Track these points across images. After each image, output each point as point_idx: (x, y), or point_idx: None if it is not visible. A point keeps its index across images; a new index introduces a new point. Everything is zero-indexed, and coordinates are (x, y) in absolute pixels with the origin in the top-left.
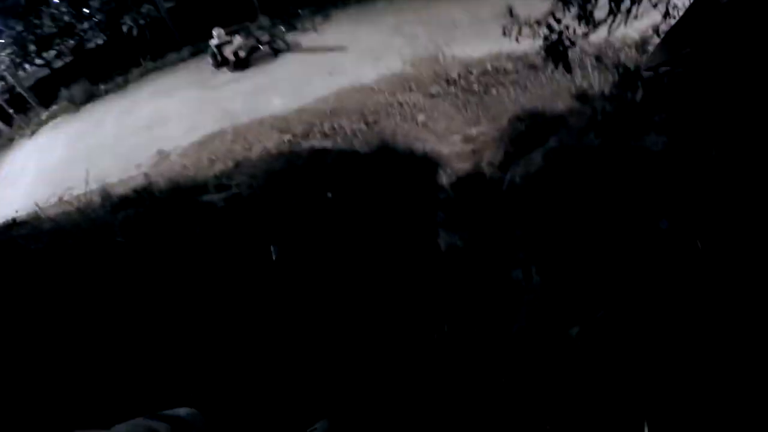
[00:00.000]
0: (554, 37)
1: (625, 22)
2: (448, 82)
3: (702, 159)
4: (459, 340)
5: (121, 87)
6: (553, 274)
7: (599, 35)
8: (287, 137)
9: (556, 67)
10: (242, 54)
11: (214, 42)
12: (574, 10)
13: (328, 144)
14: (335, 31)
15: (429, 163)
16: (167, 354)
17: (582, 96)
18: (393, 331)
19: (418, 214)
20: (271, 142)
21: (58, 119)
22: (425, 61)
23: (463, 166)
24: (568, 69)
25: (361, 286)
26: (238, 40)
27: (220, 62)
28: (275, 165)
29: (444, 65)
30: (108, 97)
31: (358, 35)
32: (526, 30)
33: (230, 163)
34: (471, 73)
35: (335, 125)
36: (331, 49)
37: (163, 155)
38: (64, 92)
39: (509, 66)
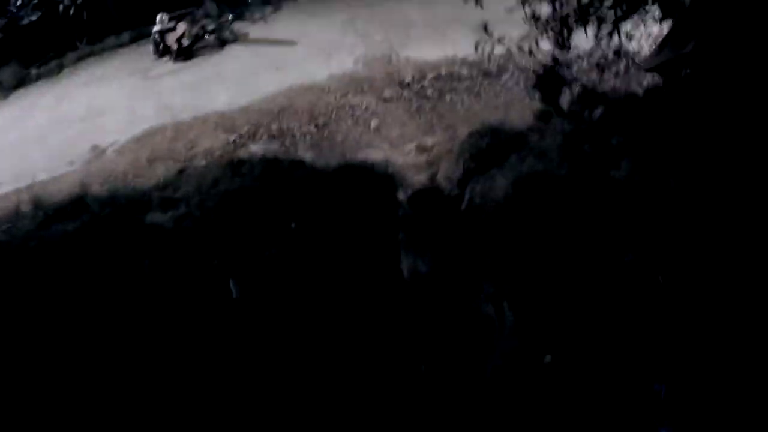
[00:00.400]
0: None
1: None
2: (401, 85)
3: (663, 189)
4: (436, 381)
5: (54, 72)
6: (524, 309)
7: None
8: (232, 137)
9: (545, 102)
10: (186, 42)
11: (156, 28)
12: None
13: (277, 149)
14: (285, 23)
15: (384, 176)
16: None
17: (540, 112)
18: (364, 376)
19: (378, 235)
20: (216, 142)
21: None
22: (378, 62)
23: (420, 178)
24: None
25: (329, 322)
26: (182, 27)
27: (162, 50)
28: (225, 178)
29: (398, 67)
30: (40, 83)
31: (309, 29)
32: (499, 49)
33: (172, 168)
34: (425, 77)
35: (283, 126)
36: (280, 43)
37: (97, 151)
38: None
39: (464, 72)
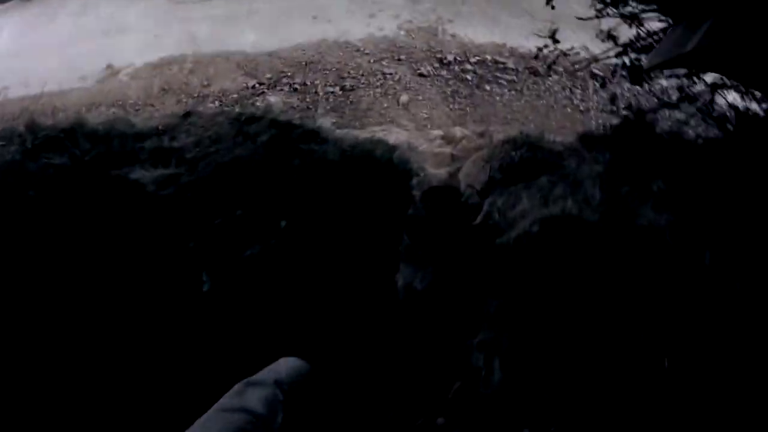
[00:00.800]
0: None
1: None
2: (441, 62)
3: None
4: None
5: None
6: (517, 373)
7: None
8: (252, 82)
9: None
10: None
11: None
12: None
13: (296, 105)
14: None
15: (401, 162)
16: None
17: (584, 134)
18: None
19: (381, 235)
20: (234, 85)
21: (9, 4)
22: (422, 32)
23: (439, 173)
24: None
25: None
26: None
27: None
28: (227, 137)
29: (441, 42)
30: None
31: None
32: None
33: (181, 105)
34: (468, 59)
35: (308, 81)
36: None
37: (112, 71)
38: None
39: (510, 63)
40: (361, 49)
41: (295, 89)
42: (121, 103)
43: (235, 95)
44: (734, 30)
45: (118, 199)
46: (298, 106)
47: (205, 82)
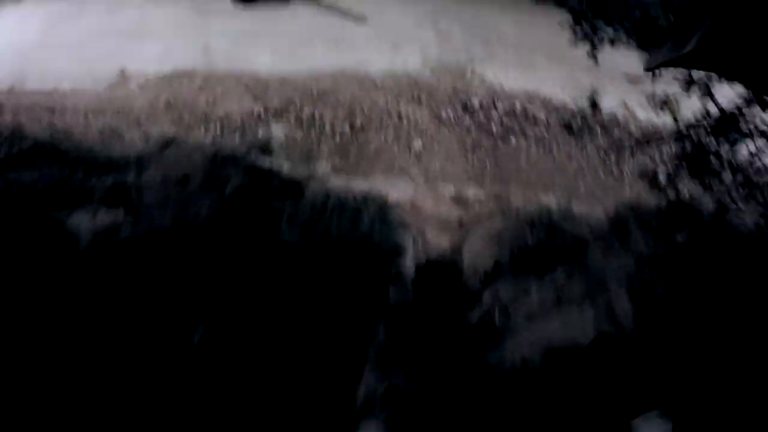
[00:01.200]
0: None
1: None
2: (465, 108)
3: None
4: None
5: None
6: None
7: None
8: (258, 108)
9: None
10: None
11: None
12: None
13: (298, 140)
14: None
15: (399, 223)
16: None
17: (615, 217)
18: None
19: (354, 323)
20: (239, 108)
21: None
22: (449, 71)
23: (441, 243)
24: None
25: None
26: None
27: None
28: (198, 175)
29: (468, 84)
30: None
31: (386, 10)
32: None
33: (182, 122)
34: (495, 106)
35: (317, 114)
36: (350, 15)
37: (124, 77)
38: None
39: (541, 115)
40: (379, 83)
41: (302, 122)
42: (124, 113)
43: (238, 120)
44: (733, 30)
45: (47, 249)
46: (300, 141)
47: (212, 102)
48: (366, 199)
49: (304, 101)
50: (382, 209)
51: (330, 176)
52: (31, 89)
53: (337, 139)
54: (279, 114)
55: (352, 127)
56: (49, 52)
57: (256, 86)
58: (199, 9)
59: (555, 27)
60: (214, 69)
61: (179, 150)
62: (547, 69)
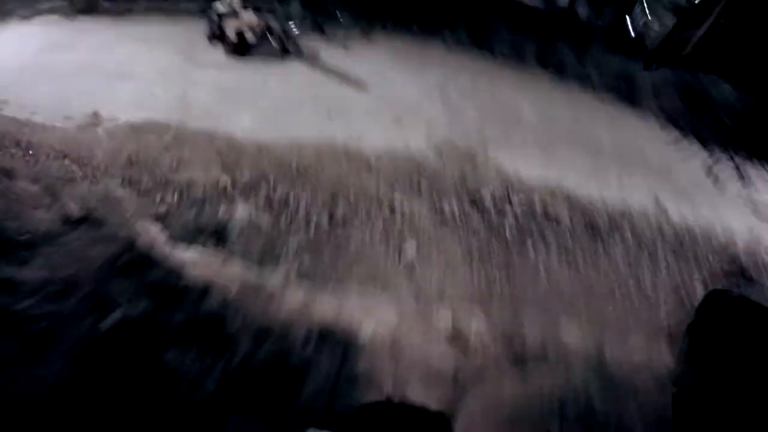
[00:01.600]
0: None
1: None
2: (474, 202)
3: None
4: None
5: (122, 12)
6: None
7: None
8: (225, 181)
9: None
10: (250, 39)
11: (219, 8)
12: None
13: (264, 226)
14: (367, 57)
15: (371, 379)
16: None
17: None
18: None
19: None
20: (204, 177)
21: (53, 17)
22: (458, 154)
23: (430, 397)
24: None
25: None
26: (248, 16)
27: (217, 36)
28: (85, 283)
29: (480, 171)
30: (103, 18)
31: (390, 76)
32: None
33: (140, 183)
34: (509, 200)
35: (292, 195)
36: (349, 81)
37: (95, 120)
38: None
39: (564, 215)
40: (373, 164)
41: (272, 204)
42: (83, 162)
43: (200, 191)
44: (730, 33)
45: None
46: (266, 229)
47: (176, 164)
48: (328, 333)
49: (280, 177)
50: (348, 354)
51: (289, 287)
52: (7, 114)
53: (311, 231)
54: (247, 190)
55: (331, 217)
56: (34, 80)
57: (228, 152)
58: (189, 56)
59: (581, 107)
60: (188, 125)
61: (87, 234)
62: (570, 157)
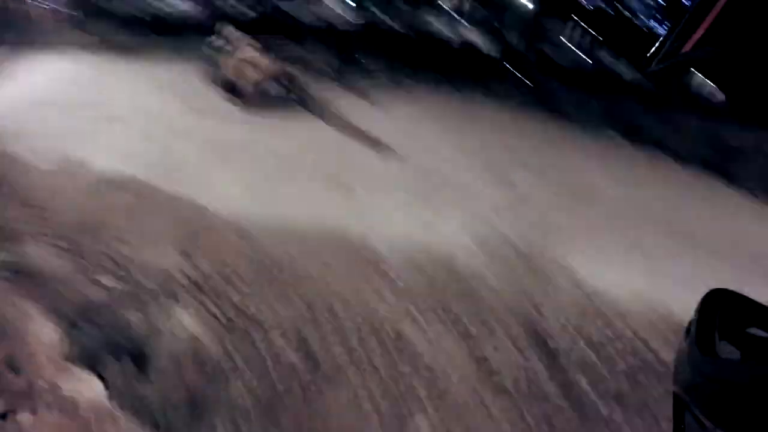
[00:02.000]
0: None
1: None
2: (538, 339)
3: None
4: None
5: (134, 49)
6: None
7: None
8: (181, 270)
9: None
10: (271, 91)
11: (219, 42)
12: None
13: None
14: (395, 111)
15: None
16: None
17: None
18: None
19: None
20: (159, 261)
21: (65, 48)
22: (509, 255)
23: None
24: None
25: None
26: (262, 61)
27: (232, 90)
28: None
29: (546, 286)
30: (116, 52)
31: (422, 137)
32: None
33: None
34: (580, 339)
35: (256, 311)
36: (375, 144)
37: (65, 166)
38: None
39: (649, 358)
40: (387, 269)
41: (229, 319)
42: (42, 216)
43: (149, 284)
44: (731, 34)
45: None
46: (208, 365)
47: (134, 240)
48: None
49: (248, 278)
50: None
51: None
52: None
53: (272, 378)
54: (201, 290)
55: (306, 357)
56: (34, 114)
57: (195, 229)
58: (188, 101)
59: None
60: (162, 190)
61: None
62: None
